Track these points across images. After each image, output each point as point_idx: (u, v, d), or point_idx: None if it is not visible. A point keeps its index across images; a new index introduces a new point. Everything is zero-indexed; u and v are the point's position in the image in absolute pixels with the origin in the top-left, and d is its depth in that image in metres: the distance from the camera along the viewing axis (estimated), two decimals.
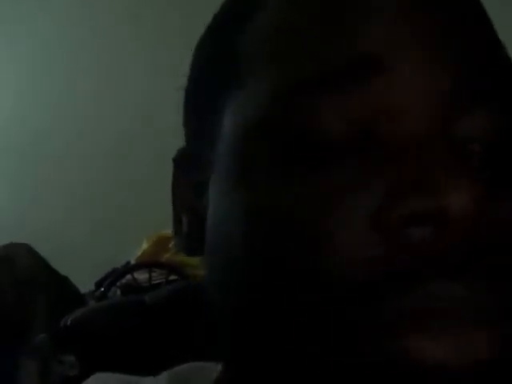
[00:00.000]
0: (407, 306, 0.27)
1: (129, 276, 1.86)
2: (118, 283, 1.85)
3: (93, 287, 2.01)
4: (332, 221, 0.28)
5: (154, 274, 1.85)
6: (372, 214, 0.27)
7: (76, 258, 2.27)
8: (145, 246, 2.05)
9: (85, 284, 1.99)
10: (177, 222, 0.37)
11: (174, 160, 0.38)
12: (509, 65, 0.33)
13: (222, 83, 0.34)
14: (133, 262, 2.02)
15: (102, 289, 1.85)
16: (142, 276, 1.87)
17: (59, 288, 1.89)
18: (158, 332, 1.37)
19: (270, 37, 0.33)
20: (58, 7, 2.60)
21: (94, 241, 2.40)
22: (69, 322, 1.35)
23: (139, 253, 2.04)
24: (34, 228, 2.34)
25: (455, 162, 0.27)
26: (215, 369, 0.39)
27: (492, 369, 0.27)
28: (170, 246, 1.99)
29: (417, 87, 0.29)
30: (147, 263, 1.91)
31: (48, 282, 1.87)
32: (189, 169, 0.37)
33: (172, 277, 1.82)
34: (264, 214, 0.30)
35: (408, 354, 0.27)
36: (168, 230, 2.00)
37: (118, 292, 1.85)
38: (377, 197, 0.28)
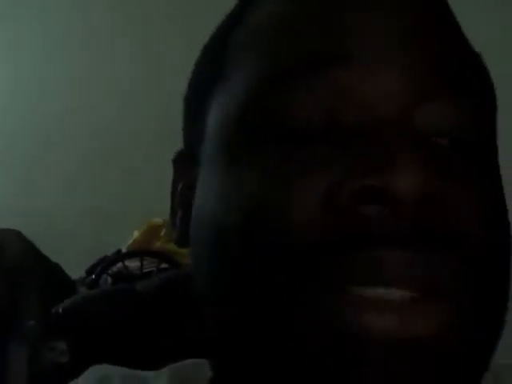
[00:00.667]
0: (350, 273, 0.29)
1: (120, 264, 1.86)
2: (109, 271, 1.85)
3: (83, 274, 2.00)
4: (292, 198, 0.30)
5: (145, 262, 1.85)
6: (326, 190, 0.30)
7: (67, 244, 2.27)
8: (136, 233, 2.04)
9: (75, 271, 1.99)
10: (173, 217, 0.40)
11: (173, 161, 0.41)
12: (474, 59, 0.35)
13: (209, 83, 0.37)
14: (124, 249, 2.01)
15: (93, 276, 1.84)
16: (133, 264, 1.86)
17: (49, 274, 1.88)
18: (150, 320, 1.37)
19: (252, 35, 0.35)
20: None
21: (85, 228, 2.39)
22: (60, 310, 1.35)
23: (130, 241, 2.04)
24: (25, 214, 2.33)
25: (410, 147, 0.29)
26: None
27: (429, 343, 0.28)
28: (162, 234, 1.99)
29: (380, 78, 0.31)
30: (138, 251, 1.91)
31: (38, 269, 1.87)
32: (185, 169, 0.39)
33: (163, 265, 1.82)
34: (232, 197, 0.32)
35: (346, 323, 0.28)
36: (159, 219, 2.00)
37: (109, 280, 1.85)
38: (333, 176, 0.30)
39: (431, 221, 0.29)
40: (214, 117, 0.36)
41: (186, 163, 0.39)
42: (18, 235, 1.96)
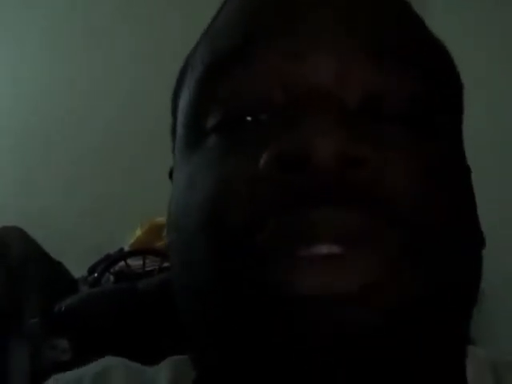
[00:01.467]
0: (281, 233, 0.30)
1: (122, 262, 1.86)
2: (112, 269, 1.85)
3: (86, 273, 2.01)
4: (228, 174, 0.32)
5: (147, 261, 1.85)
6: (254, 162, 0.31)
7: (69, 243, 2.27)
8: (138, 232, 2.05)
9: (78, 269, 1.99)
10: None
11: (169, 174, 0.43)
12: (421, 38, 0.36)
13: (178, 90, 0.40)
14: (126, 248, 2.02)
15: (96, 275, 1.84)
16: (135, 263, 1.86)
17: (52, 273, 1.89)
18: (151, 318, 1.37)
19: (203, 37, 0.38)
20: None
21: (88, 226, 2.39)
22: (63, 308, 1.35)
23: (133, 239, 2.04)
24: (27, 213, 2.33)
25: (330, 117, 0.30)
26: None
27: (356, 297, 0.29)
28: (164, 233, 1.99)
29: (305, 56, 0.32)
30: (141, 250, 1.91)
31: (40, 267, 1.87)
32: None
33: (165, 264, 1.82)
34: (180, 194, 0.35)
35: (278, 284, 0.29)
36: (162, 218, 2.00)
37: (111, 278, 1.85)
38: (260, 149, 0.31)
39: (351, 181, 0.29)
40: (179, 117, 0.38)
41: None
42: (20, 233, 1.97)
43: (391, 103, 0.33)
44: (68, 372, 0.47)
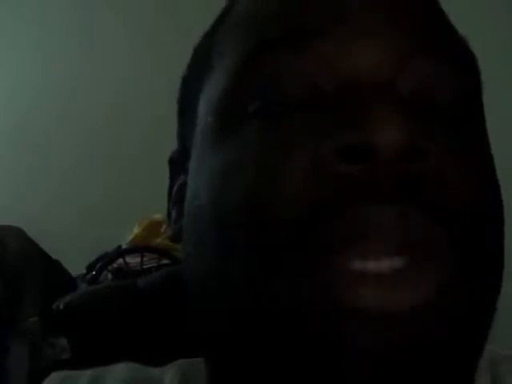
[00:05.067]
0: (337, 234, 0.28)
1: (120, 260, 1.86)
2: (110, 267, 1.85)
3: (84, 271, 2.01)
4: (277, 172, 0.30)
5: (145, 259, 1.85)
6: (310, 157, 0.29)
7: (67, 241, 2.27)
8: (136, 230, 2.04)
9: (76, 267, 1.99)
10: (169, 215, 0.41)
11: (169, 161, 0.41)
12: (455, 33, 0.36)
13: (198, 80, 0.37)
14: (124, 246, 2.01)
15: (94, 272, 1.84)
16: (133, 260, 1.86)
17: (50, 271, 1.89)
18: (150, 316, 1.37)
19: (234, 22, 0.37)
20: None
21: (86, 224, 2.39)
22: (61, 306, 1.35)
23: (131, 237, 2.04)
24: (25, 211, 2.33)
25: (391, 107, 0.29)
26: None
27: (422, 311, 0.27)
28: (162, 230, 1.99)
29: (359, 46, 0.32)
30: (139, 247, 1.91)
31: (39, 265, 1.87)
32: (179, 169, 0.39)
33: (163, 261, 1.82)
34: (220, 179, 0.32)
35: (337, 298, 0.27)
36: (159, 215, 2.00)
37: (110, 276, 1.85)
38: (315, 143, 0.30)
39: (415, 176, 0.28)
40: (203, 105, 0.36)
41: (180, 163, 0.39)
42: (18, 232, 1.96)
43: (442, 96, 0.32)
44: (68, 370, 0.47)
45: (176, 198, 0.40)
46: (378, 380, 0.28)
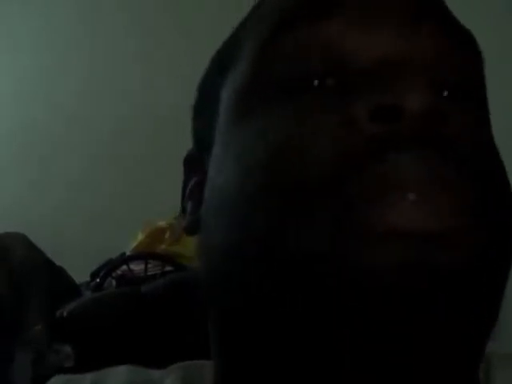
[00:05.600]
0: (369, 179, 0.29)
1: (124, 267, 1.86)
2: (114, 274, 1.85)
3: (88, 278, 2.01)
4: (308, 136, 0.31)
5: (149, 265, 1.85)
6: (342, 114, 0.31)
7: (71, 248, 2.27)
8: (140, 237, 2.04)
9: (80, 275, 1.99)
10: (183, 210, 0.41)
11: (184, 161, 0.42)
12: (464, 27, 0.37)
13: (220, 76, 0.38)
14: (128, 253, 2.01)
15: (98, 279, 1.84)
16: (137, 267, 1.86)
17: (54, 278, 1.89)
18: (154, 323, 1.37)
19: (254, 17, 0.38)
20: None
21: (90, 231, 2.40)
22: (65, 314, 1.35)
23: (135, 244, 2.04)
24: (30, 218, 2.33)
25: (419, 76, 0.30)
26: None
27: (455, 235, 0.29)
28: (166, 237, 1.99)
29: (381, 23, 0.33)
30: (143, 254, 1.91)
31: (43, 273, 1.87)
32: (196, 167, 0.40)
33: (167, 268, 1.82)
34: (249, 152, 0.33)
35: (369, 222, 0.28)
36: (163, 222, 2.00)
37: (114, 283, 1.85)
38: (349, 102, 0.31)
39: (438, 135, 0.30)
40: (226, 95, 0.37)
41: (196, 162, 0.40)
42: (22, 239, 1.96)
43: (462, 81, 0.34)
44: (69, 375, 0.47)
45: (192, 192, 0.40)
46: (402, 305, 0.28)
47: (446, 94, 0.33)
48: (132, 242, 2.04)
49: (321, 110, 0.32)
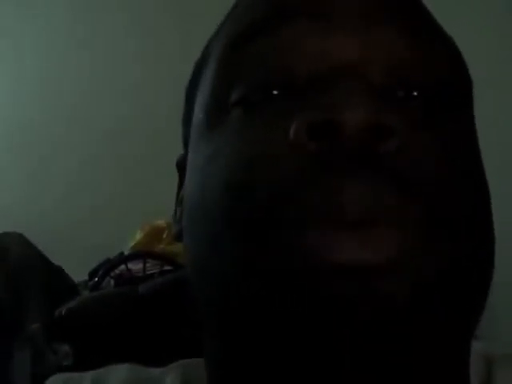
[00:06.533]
0: (310, 203, 0.29)
1: (122, 266, 1.85)
2: (112, 273, 1.85)
3: (86, 277, 2.00)
4: (254, 145, 0.32)
5: (147, 265, 1.85)
6: (283, 135, 0.31)
7: (69, 247, 2.27)
8: (139, 236, 2.04)
9: (78, 274, 1.99)
10: (174, 215, 0.42)
11: (176, 165, 0.43)
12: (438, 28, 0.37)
13: (196, 83, 0.39)
14: (126, 252, 2.01)
15: (96, 279, 1.84)
16: (135, 266, 1.86)
17: (52, 278, 1.88)
18: (152, 322, 1.37)
19: (220, 24, 0.39)
20: None
21: (88, 231, 2.39)
22: (64, 312, 1.35)
23: (133, 243, 2.04)
24: (27, 217, 2.33)
25: (358, 88, 0.30)
26: None
27: (392, 266, 0.28)
28: (164, 236, 1.99)
29: (332, 31, 0.33)
30: (141, 253, 1.91)
31: (41, 272, 1.87)
32: (183, 171, 0.40)
33: (166, 267, 1.82)
34: (208, 167, 0.34)
35: (307, 252, 0.29)
36: (162, 221, 2.00)
37: (112, 282, 1.84)
38: (289, 122, 0.31)
39: (379, 152, 0.29)
40: (196, 106, 0.38)
41: (183, 166, 0.41)
42: (20, 238, 1.96)
43: (416, 82, 0.33)
44: (68, 373, 0.48)
45: (180, 198, 0.41)
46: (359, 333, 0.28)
47: (396, 104, 0.32)
48: (130, 242, 2.04)
49: (266, 127, 0.32)
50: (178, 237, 0.40)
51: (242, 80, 0.34)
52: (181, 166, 0.42)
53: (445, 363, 0.32)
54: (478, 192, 0.34)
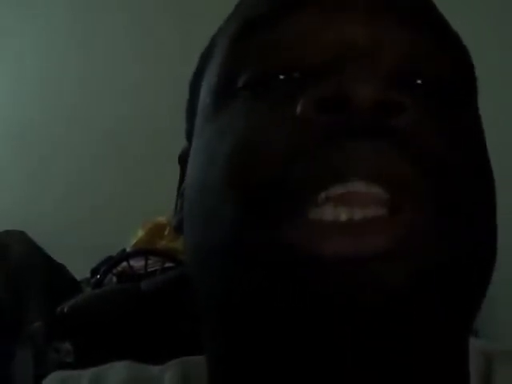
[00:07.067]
0: (312, 176, 0.29)
1: (124, 263, 1.86)
2: (114, 270, 1.85)
3: (89, 275, 2.01)
4: (261, 120, 0.32)
5: (149, 262, 1.85)
6: (292, 111, 0.31)
7: (72, 245, 2.27)
8: (140, 233, 2.05)
9: (81, 271, 1.99)
10: (175, 208, 0.42)
11: (179, 159, 0.43)
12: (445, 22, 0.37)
13: (201, 74, 0.39)
14: (128, 249, 2.02)
15: (98, 276, 1.85)
16: (137, 263, 1.87)
17: (54, 275, 1.89)
18: (154, 319, 1.37)
19: (227, 18, 0.39)
20: None
21: (90, 228, 2.39)
22: (66, 310, 1.35)
23: (135, 240, 2.04)
24: (29, 215, 2.33)
25: (368, 69, 0.31)
26: None
27: (399, 249, 0.28)
28: (166, 233, 1.99)
29: (340, 19, 0.33)
30: (143, 250, 1.91)
31: (42, 270, 1.87)
32: (185, 164, 0.40)
33: (168, 264, 1.82)
34: (213, 150, 0.34)
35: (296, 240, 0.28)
36: (163, 218, 2.00)
37: (114, 279, 1.85)
38: (298, 98, 0.31)
39: (389, 125, 0.29)
40: (202, 92, 0.38)
41: (186, 159, 0.40)
42: (23, 237, 1.97)
43: (425, 72, 0.33)
44: (68, 370, 0.48)
45: (182, 190, 0.40)
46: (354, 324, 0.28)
47: (406, 89, 0.32)
48: (132, 239, 2.04)
49: (273, 106, 0.32)
50: (179, 227, 0.39)
51: (250, 66, 0.34)
52: (183, 159, 0.42)
53: (444, 353, 0.32)
54: (485, 183, 0.34)
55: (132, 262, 1.85)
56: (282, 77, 0.33)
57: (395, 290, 0.28)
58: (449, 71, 0.34)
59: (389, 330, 0.29)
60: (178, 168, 0.44)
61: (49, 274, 1.86)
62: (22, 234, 1.97)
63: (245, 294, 0.31)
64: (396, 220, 0.29)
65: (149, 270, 1.82)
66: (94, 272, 1.97)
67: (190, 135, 0.40)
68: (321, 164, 0.29)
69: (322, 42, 0.33)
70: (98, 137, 2.48)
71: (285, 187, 0.30)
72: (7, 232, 1.96)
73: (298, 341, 0.30)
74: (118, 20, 2.53)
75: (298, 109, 0.30)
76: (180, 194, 0.41)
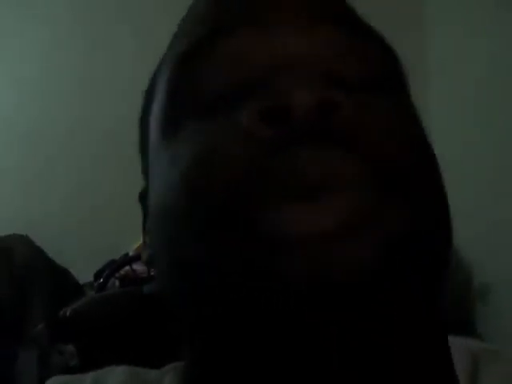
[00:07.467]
0: (268, 180, 0.30)
1: (127, 267, 1.86)
2: (117, 274, 1.85)
3: (92, 278, 2.01)
4: (210, 141, 0.33)
5: None
6: (234, 126, 0.32)
7: (75, 249, 2.27)
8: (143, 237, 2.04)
9: (84, 275, 1.99)
10: (144, 245, 0.44)
11: (139, 196, 0.46)
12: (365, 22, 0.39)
13: (147, 109, 0.41)
14: (131, 253, 2.02)
15: (101, 280, 1.85)
16: (140, 267, 1.87)
17: (58, 279, 1.89)
18: (157, 323, 1.37)
19: (165, 52, 0.41)
20: None
21: (93, 232, 2.40)
22: (68, 313, 1.35)
23: (137, 244, 2.04)
24: (32, 219, 2.34)
25: (304, 76, 0.32)
26: None
27: (350, 235, 0.29)
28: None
29: (273, 35, 0.34)
30: None
31: (46, 273, 1.87)
32: (145, 201, 0.42)
33: None
34: (166, 176, 0.35)
35: (269, 231, 0.29)
36: None
37: (117, 283, 1.85)
38: (241, 112, 0.32)
39: (328, 125, 0.31)
40: (151, 129, 0.39)
41: (145, 197, 0.42)
42: (26, 240, 1.97)
43: (355, 73, 0.35)
44: (68, 375, 0.48)
45: (148, 229, 0.42)
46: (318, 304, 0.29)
47: (342, 88, 0.33)
48: (135, 243, 2.04)
49: (220, 125, 0.33)
50: (149, 262, 0.41)
51: (192, 94, 0.35)
52: (142, 196, 0.44)
53: (421, 329, 0.32)
54: (425, 156, 0.35)
55: (135, 266, 1.85)
56: (224, 95, 0.34)
57: (365, 264, 0.29)
58: (379, 67, 0.36)
59: (366, 305, 0.29)
60: None
61: (51, 278, 1.86)
62: (25, 238, 1.97)
63: (222, 296, 0.31)
64: (345, 196, 0.30)
65: (152, 273, 1.82)
66: (97, 276, 1.98)
67: (146, 172, 0.41)
68: (268, 180, 0.30)
69: (257, 56, 0.34)
70: (97, 137, 2.48)
71: (236, 205, 0.30)
72: (10, 236, 1.96)
73: (275, 330, 0.30)
74: (119, 20, 2.53)
75: (244, 123, 0.31)
76: (146, 230, 0.43)
